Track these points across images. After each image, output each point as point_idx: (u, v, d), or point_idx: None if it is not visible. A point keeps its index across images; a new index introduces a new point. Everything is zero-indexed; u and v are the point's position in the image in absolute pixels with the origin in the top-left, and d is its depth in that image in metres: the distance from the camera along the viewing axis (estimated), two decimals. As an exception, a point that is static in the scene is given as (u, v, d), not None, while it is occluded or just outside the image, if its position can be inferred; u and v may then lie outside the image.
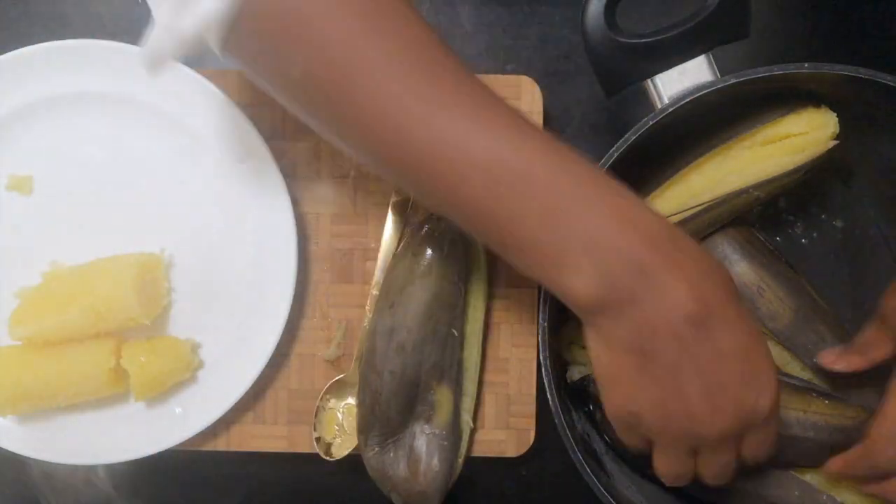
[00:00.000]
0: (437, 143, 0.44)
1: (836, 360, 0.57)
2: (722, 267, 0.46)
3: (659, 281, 0.43)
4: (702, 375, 0.45)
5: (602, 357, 0.46)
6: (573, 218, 0.44)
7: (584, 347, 0.63)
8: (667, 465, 0.50)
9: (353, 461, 0.63)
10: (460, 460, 0.63)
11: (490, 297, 0.65)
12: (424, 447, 0.62)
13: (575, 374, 0.62)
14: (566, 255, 0.43)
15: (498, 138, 0.44)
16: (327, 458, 0.64)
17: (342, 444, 0.65)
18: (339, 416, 0.65)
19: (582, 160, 0.46)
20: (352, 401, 0.65)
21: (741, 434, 0.47)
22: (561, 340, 0.62)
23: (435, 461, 0.62)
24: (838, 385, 0.60)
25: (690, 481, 0.51)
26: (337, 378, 0.65)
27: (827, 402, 0.58)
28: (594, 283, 0.43)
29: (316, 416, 0.65)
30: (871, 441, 0.52)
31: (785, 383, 0.58)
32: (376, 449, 0.62)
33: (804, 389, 0.58)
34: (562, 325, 0.62)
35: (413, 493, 0.62)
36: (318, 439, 0.65)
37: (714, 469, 0.49)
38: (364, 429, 0.62)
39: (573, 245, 0.43)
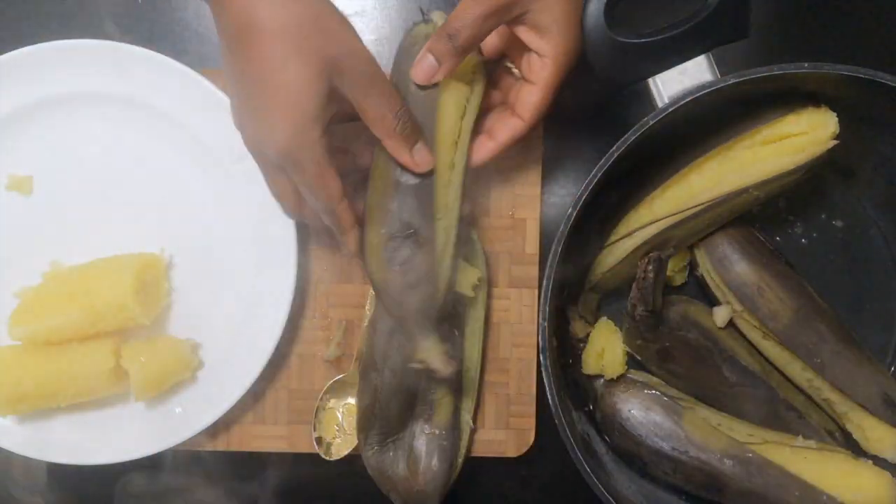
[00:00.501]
0: None
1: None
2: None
3: None
4: (241, 86, 0.51)
5: None
6: None
7: (587, 322, 0.63)
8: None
9: (353, 461, 0.63)
10: (460, 460, 0.63)
11: (490, 298, 0.66)
12: (424, 447, 0.62)
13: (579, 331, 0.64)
14: None
15: None
16: (327, 458, 0.64)
17: (342, 445, 0.65)
18: (339, 415, 0.65)
19: None
20: (351, 401, 0.65)
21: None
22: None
23: (434, 461, 0.62)
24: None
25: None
26: (337, 378, 0.65)
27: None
28: None
29: (316, 416, 0.65)
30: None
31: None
32: (376, 448, 0.62)
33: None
34: (569, 301, 0.63)
35: (412, 493, 0.62)
36: (318, 439, 0.65)
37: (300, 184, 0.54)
38: (364, 427, 0.62)
39: None
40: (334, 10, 0.51)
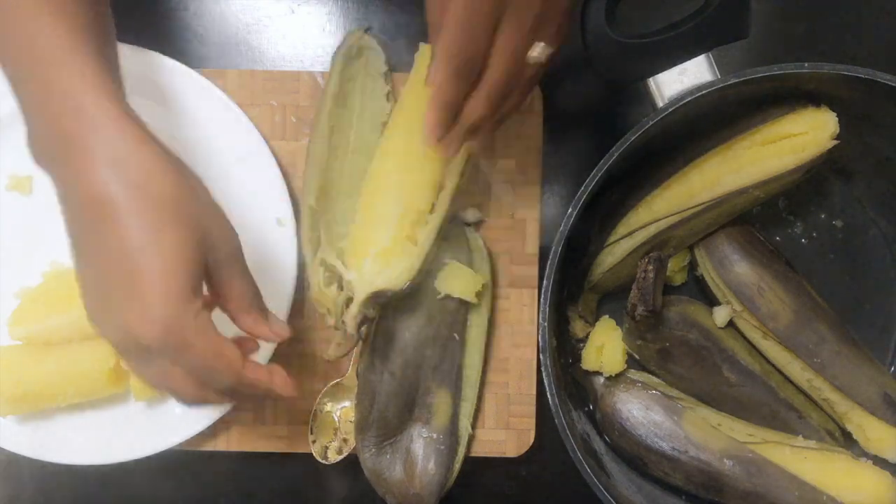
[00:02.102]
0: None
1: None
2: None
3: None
4: (93, 268, 0.45)
5: None
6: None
7: (587, 322, 0.63)
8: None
9: (351, 462, 0.63)
10: (457, 465, 0.63)
11: (492, 299, 0.66)
12: (421, 450, 0.62)
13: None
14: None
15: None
16: (322, 461, 0.64)
17: (338, 449, 0.65)
18: (336, 419, 0.65)
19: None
20: (348, 404, 0.65)
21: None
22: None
23: (431, 465, 0.62)
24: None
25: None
26: (334, 382, 0.65)
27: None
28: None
29: (313, 419, 0.65)
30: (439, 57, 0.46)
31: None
32: (373, 450, 0.62)
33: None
34: (569, 301, 0.63)
35: (408, 496, 0.62)
36: (314, 442, 0.65)
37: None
38: (361, 429, 0.62)
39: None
40: (202, 183, 0.47)
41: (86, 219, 0.44)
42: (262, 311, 0.51)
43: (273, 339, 0.51)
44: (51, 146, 0.45)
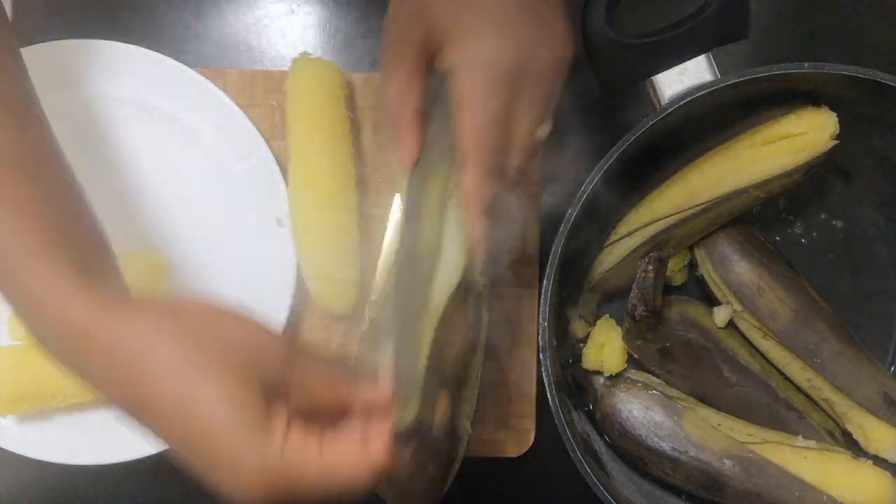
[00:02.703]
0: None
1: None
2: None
3: None
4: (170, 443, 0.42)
5: None
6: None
7: (587, 322, 0.63)
8: None
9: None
10: (456, 465, 0.63)
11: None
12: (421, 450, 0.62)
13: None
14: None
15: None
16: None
17: None
18: None
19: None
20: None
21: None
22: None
23: (431, 465, 0.62)
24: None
25: None
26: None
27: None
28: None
29: None
30: (470, 154, 0.44)
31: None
32: (374, 450, 0.62)
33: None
34: (569, 301, 0.63)
35: (408, 496, 0.62)
36: None
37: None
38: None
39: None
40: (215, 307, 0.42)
41: (130, 410, 0.41)
42: (352, 377, 0.43)
43: (381, 398, 0.42)
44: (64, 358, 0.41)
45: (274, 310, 0.63)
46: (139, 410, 0.41)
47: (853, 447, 0.61)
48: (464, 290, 0.51)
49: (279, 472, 0.38)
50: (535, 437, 0.65)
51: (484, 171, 0.45)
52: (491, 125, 0.43)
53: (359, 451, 0.39)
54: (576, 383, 0.64)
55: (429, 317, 0.49)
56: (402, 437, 0.44)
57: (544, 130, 0.47)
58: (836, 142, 0.56)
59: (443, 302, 0.50)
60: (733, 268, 0.60)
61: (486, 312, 0.64)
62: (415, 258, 0.50)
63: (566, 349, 0.63)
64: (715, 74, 0.55)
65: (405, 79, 0.46)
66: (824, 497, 0.57)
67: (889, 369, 0.65)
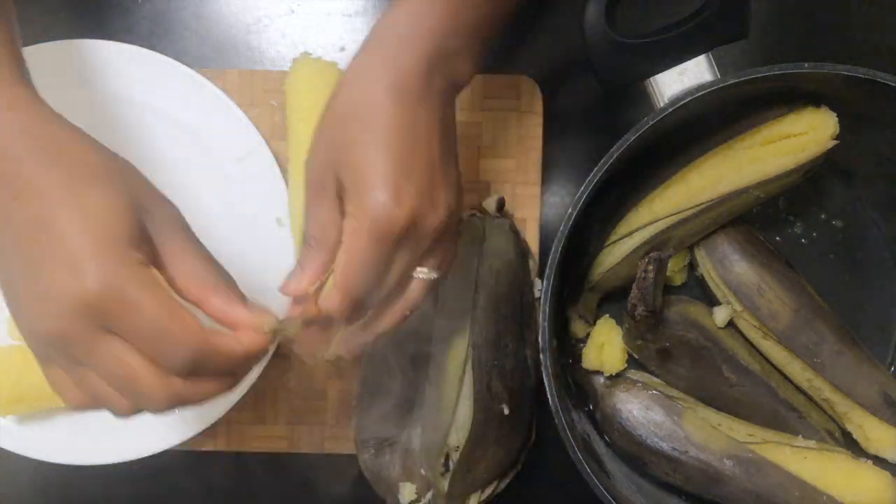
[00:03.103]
0: None
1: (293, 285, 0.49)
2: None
3: None
4: (15, 243, 0.39)
5: None
6: None
7: (587, 322, 0.63)
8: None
9: (352, 462, 0.63)
10: (457, 465, 0.64)
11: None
12: (419, 450, 0.62)
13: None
14: None
15: None
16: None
17: None
18: None
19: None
20: None
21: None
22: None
23: (431, 465, 0.62)
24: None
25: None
26: None
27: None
28: None
29: None
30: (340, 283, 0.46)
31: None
32: (373, 451, 0.62)
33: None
34: (569, 301, 0.63)
35: None
36: None
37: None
38: (360, 429, 0.62)
39: None
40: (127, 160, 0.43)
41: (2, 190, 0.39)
42: (231, 293, 0.44)
43: (254, 323, 0.43)
44: None
45: (274, 309, 0.63)
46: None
47: (853, 447, 0.61)
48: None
49: (122, 282, 0.37)
50: (535, 437, 0.65)
51: (346, 303, 0.46)
52: (358, 273, 0.45)
53: (194, 317, 0.39)
54: (576, 383, 0.64)
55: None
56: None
57: (428, 275, 0.48)
58: (836, 142, 0.56)
59: (460, 443, 0.59)
60: (733, 268, 0.60)
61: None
62: (435, 411, 0.59)
63: (566, 349, 0.63)
64: (715, 74, 0.55)
65: (328, 216, 0.47)
66: (824, 497, 0.57)
67: (889, 369, 0.65)
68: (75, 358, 0.39)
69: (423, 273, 0.49)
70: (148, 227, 0.40)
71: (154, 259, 0.40)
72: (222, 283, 0.43)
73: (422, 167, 0.45)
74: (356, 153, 0.44)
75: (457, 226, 0.50)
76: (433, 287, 0.49)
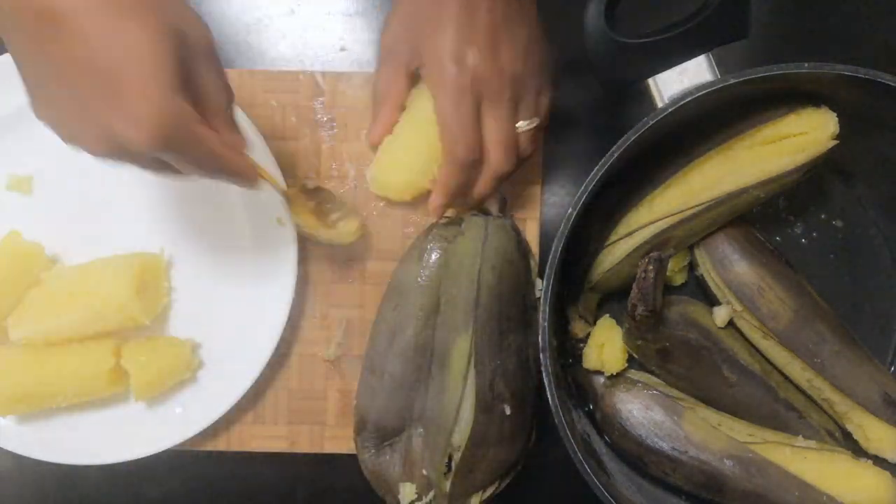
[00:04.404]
0: None
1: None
2: None
3: None
4: (60, 81, 0.40)
5: None
6: None
7: (587, 322, 0.63)
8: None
9: (352, 461, 0.63)
10: (457, 465, 0.64)
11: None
12: (421, 450, 0.62)
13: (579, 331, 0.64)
14: None
15: None
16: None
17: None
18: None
19: None
20: None
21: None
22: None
23: (431, 465, 0.62)
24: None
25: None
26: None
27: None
28: None
29: None
30: (446, 154, 0.56)
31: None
32: (373, 451, 0.62)
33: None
34: (569, 301, 0.63)
35: None
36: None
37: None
38: (361, 429, 0.62)
39: None
40: None
41: (40, 33, 0.40)
42: (232, 117, 0.50)
43: (239, 143, 0.50)
44: None
45: (274, 308, 0.63)
46: (43, 37, 0.40)
47: (853, 447, 0.61)
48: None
49: (184, 120, 0.42)
50: (535, 437, 0.65)
51: (452, 166, 0.57)
52: (454, 128, 0.56)
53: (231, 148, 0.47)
54: (576, 383, 0.64)
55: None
56: None
57: (527, 125, 0.57)
58: (836, 142, 0.56)
59: (462, 443, 0.59)
60: (733, 268, 0.60)
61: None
62: (438, 411, 0.60)
63: (566, 349, 0.63)
64: (715, 74, 0.55)
65: (392, 78, 0.59)
66: (824, 497, 0.57)
67: (889, 369, 0.65)
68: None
69: (522, 125, 0.57)
70: (184, 54, 0.43)
71: (187, 83, 0.44)
72: (229, 109, 0.49)
73: (482, 32, 0.53)
74: (427, 26, 0.54)
75: (544, 75, 0.59)
76: (539, 134, 0.60)
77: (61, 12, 0.39)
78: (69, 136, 0.43)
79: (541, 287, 0.60)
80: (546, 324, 0.54)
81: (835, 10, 0.68)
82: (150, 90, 0.40)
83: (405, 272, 0.62)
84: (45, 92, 0.42)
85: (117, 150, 0.42)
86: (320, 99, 0.66)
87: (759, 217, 0.65)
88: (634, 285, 0.58)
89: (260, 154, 0.63)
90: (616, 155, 0.54)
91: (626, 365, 0.61)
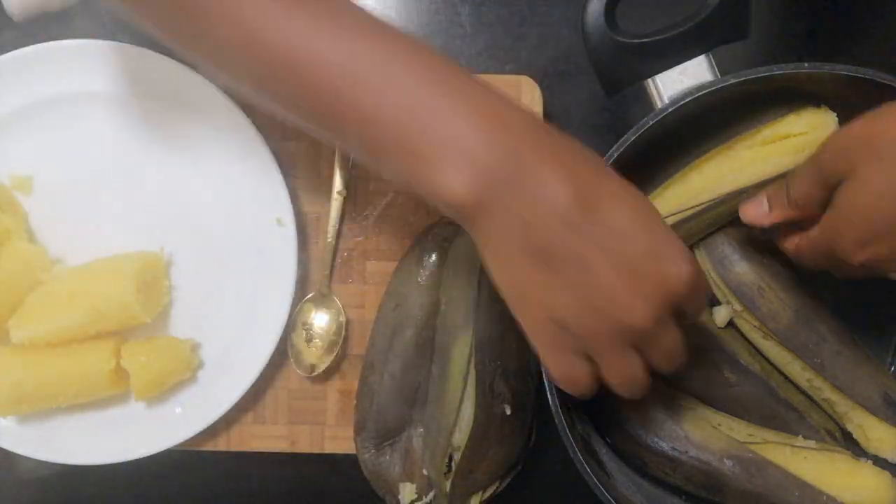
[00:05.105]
0: (289, 45, 0.43)
1: (763, 214, 0.55)
2: (589, 150, 0.45)
3: (534, 169, 0.42)
4: (609, 258, 0.42)
5: (503, 271, 0.44)
6: (436, 112, 0.42)
7: None
8: (617, 372, 0.46)
9: (352, 461, 0.63)
10: (457, 465, 0.64)
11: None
12: (421, 450, 0.62)
13: None
14: (434, 151, 0.42)
15: (351, 38, 0.43)
16: (310, 375, 0.65)
17: (322, 357, 0.65)
18: (315, 330, 0.65)
19: (441, 58, 0.44)
20: (324, 315, 0.65)
21: (672, 307, 0.45)
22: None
23: (431, 465, 0.62)
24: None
25: (646, 386, 0.48)
26: (307, 297, 0.65)
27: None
28: (468, 177, 0.41)
29: (289, 341, 0.65)
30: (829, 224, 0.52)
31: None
32: (372, 451, 0.62)
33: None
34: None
35: None
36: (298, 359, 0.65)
37: (663, 355, 0.47)
38: (361, 430, 0.62)
39: (439, 140, 0.42)
40: None
41: (571, 217, 0.42)
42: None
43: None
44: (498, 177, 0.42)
45: (274, 308, 0.63)
46: (570, 227, 0.42)
47: (853, 447, 0.61)
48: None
49: (694, 272, 0.44)
50: (535, 437, 0.65)
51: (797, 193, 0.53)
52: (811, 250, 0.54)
53: None
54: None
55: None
56: None
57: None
58: (836, 142, 0.56)
59: (462, 443, 0.59)
60: (733, 268, 0.60)
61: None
62: (438, 411, 0.60)
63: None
64: (715, 74, 0.55)
65: (814, 193, 0.52)
66: (824, 497, 0.57)
67: (889, 369, 0.65)
68: (636, 338, 0.45)
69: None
70: None
71: None
72: None
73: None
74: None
75: None
76: None
77: (590, 193, 0.43)
78: (618, 307, 0.44)
79: None
80: (546, 324, 0.54)
81: (835, 10, 0.68)
82: (669, 230, 0.45)
83: (405, 272, 0.62)
84: (584, 279, 0.43)
85: (672, 291, 0.44)
86: (320, 99, 0.66)
87: (759, 217, 0.65)
88: (634, 285, 0.58)
89: (260, 154, 0.64)
90: (616, 155, 0.54)
91: (626, 365, 0.61)
